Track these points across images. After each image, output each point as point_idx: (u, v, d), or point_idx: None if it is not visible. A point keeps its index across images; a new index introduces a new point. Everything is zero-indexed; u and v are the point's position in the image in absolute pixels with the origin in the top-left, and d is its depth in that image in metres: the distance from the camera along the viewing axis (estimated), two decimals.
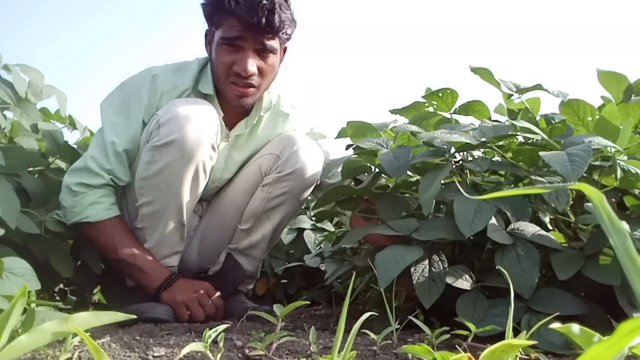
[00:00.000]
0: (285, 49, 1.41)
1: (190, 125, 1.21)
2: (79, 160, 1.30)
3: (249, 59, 1.29)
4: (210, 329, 0.76)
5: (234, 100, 1.34)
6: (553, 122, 1.18)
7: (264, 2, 1.23)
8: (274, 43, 1.31)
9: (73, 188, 1.25)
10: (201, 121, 1.24)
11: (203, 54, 1.41)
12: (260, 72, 1.32)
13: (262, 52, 1.31)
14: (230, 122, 1.42)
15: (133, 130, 1.30)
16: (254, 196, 1.42)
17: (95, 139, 1.34)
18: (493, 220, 0.98)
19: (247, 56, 1.28)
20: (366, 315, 0.60)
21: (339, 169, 1.33)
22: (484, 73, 1.21)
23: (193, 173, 1.25)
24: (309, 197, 1.47)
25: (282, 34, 1.32)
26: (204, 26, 1.38)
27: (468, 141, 1.05)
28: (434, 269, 0.98)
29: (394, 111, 1.37)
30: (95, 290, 1.67)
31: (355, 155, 1.27)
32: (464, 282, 0.97)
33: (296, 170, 1.35)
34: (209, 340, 0.74)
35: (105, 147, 1.28)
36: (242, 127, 1.44)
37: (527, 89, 1.21)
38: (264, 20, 1.24)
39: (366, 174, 1.34)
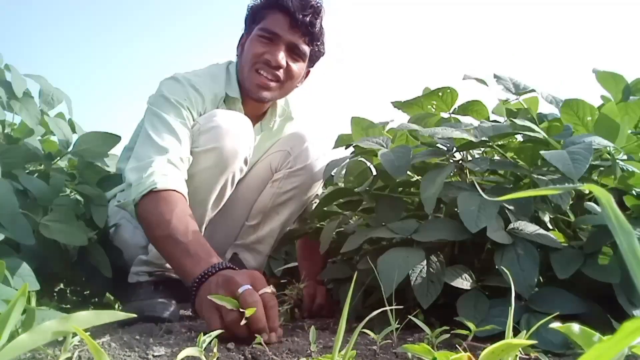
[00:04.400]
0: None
1: (229, 136, 1.23)
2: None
3: (281, 52, 1.34)
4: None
5: (254, 91, 1.37)
6: (546, 119, 1.19)
7: (313, 3, 1.31)
8: (306, 48, 1.37)
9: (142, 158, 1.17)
10: (240, 134, 1.26)
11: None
12: (286, 71, 1.36)
13: (293, 53, 1.36)
14: None
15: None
16: (264, 192, 1.46)
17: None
18: (493, 221, 0.98)
19: (280, 49, 1.34)
20: (367, 315, 0.59)
21: (343, 171, 1.33)
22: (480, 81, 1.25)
23: (222, 183, 1.27)
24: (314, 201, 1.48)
25: (315, 44, 1.37)
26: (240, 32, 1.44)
27: (470, 138, 1.06)
28: (432, 270, 0.98)
29: (396, 103, 1.37)
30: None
31: (360, 158, 1.27)
32: (464, 282, 0.97)
33: (307, 165, 1.40)
34: (204, 345, 0.72)
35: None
36: (257, 130, 1.47)
37: (524, 92, 1.23)
38: (307, 20, 1.31)
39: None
